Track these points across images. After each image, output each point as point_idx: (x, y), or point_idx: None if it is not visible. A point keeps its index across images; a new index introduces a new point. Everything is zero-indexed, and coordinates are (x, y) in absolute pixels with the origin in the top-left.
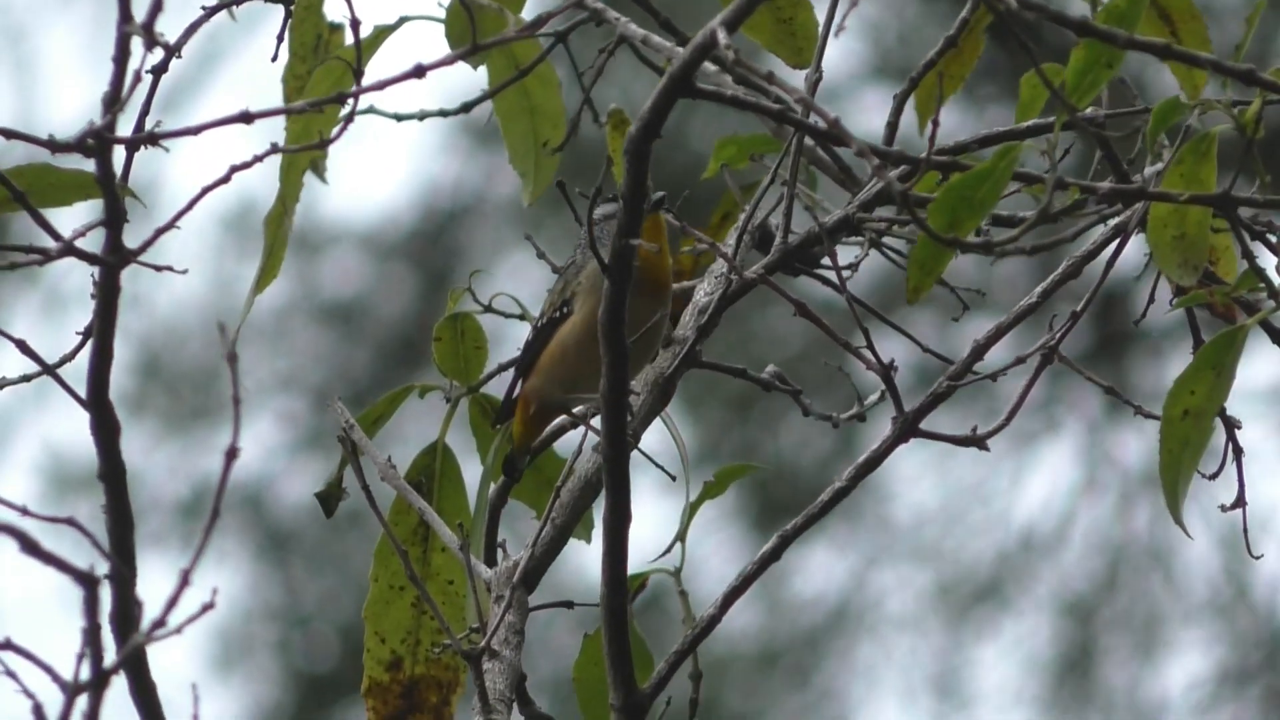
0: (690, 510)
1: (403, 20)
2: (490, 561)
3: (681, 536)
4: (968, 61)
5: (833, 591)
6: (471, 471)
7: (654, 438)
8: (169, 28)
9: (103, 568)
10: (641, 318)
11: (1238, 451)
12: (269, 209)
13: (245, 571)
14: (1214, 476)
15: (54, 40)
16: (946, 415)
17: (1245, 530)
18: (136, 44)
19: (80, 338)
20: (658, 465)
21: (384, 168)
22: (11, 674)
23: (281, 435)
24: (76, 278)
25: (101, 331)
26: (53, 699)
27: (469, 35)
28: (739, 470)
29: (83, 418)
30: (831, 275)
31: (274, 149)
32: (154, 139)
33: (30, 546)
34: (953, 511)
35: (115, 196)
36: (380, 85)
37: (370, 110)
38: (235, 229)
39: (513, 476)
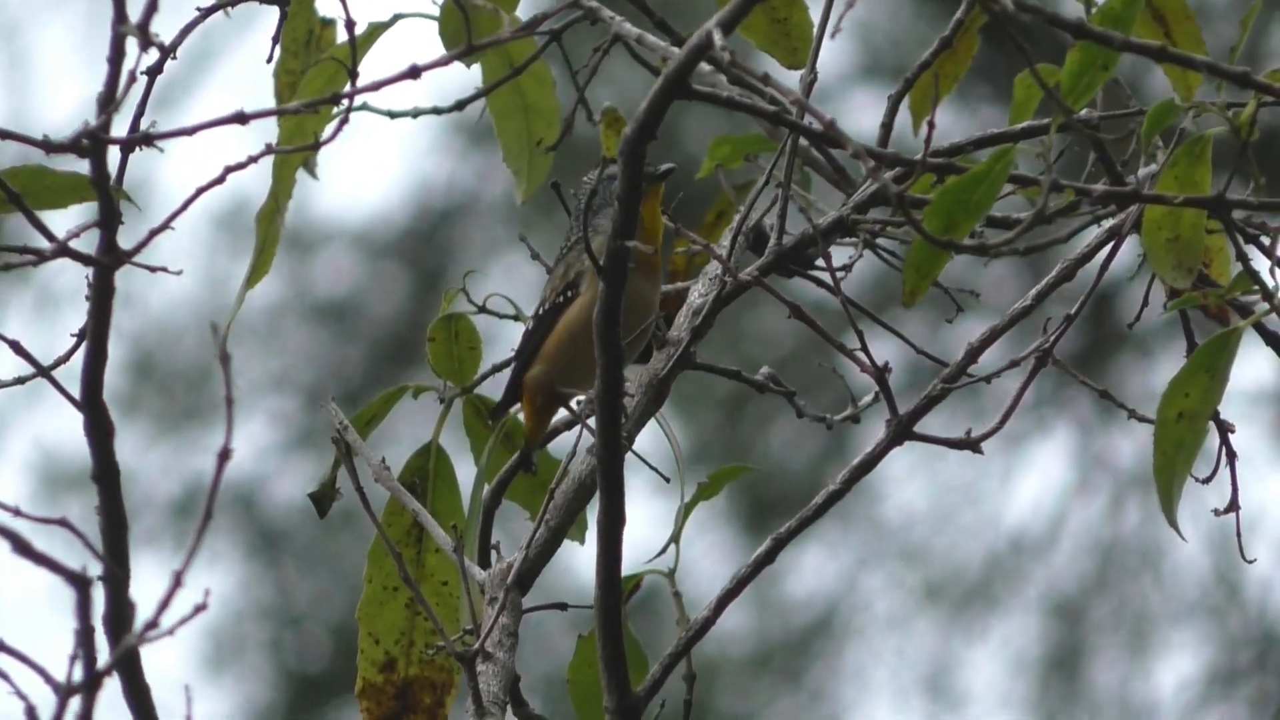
0: (684, 512)
1: (396, 18)
2: (484, 563)
3: (676, 538)
4: (962, 62)
5: (824, 592)
6: (465, 472)
7: (647, 438)
8: (163, 27)
9: (95, 569)
10: (637, 295)
11: (1231, 455)
12: (261, 206)
13: (237, 571)
14: (1208, 480)
15: (47, 38)
16: (936, 415)
17: (1239, 535)
18: (131, 44)
19: (74, 339)
20: (652, 467)
21: (377, 166)
22: (4, 675)
23: (274, 435)
24: (69, 277)
25: (96, 333)
26: (45, 700)
27: (463, 33)
28: (733, 472)
29: (76, 418)
30: (826, 276)
31: (268, 149)
32: (149, 140)
33: (23, 548)
34: (943, 512)
35: (110, 198)
36: (375, 86)
37: (364, 108)
38: (228, 227)
39: (528, 470)
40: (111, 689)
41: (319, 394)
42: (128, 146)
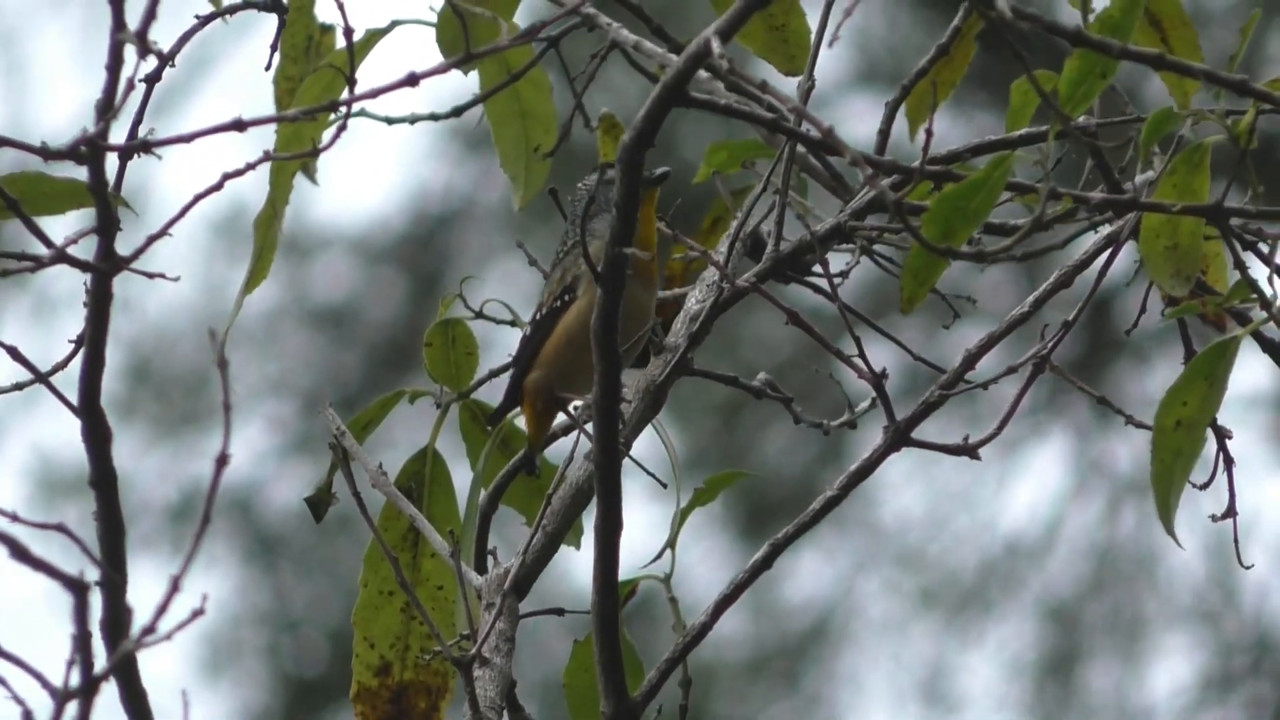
0: (680, 518)
1: (394, 24)
2: (481, 568)
3: (672, 543)
4: (959, 68)
5: (821, 597)
6: (462, 478)
7: (643, 444)
8: (161, 34)
9: (93, 574)
10: (634, 300)
11: (1228, 462)
12: (259, 211)
13: (234, 575)
14: (1205, 486)
15: (44, 43)
16: (933, 420)
17: (1236, 541)
18: (130, 51)
19: (73, 345)
20: (649, 473)
21: (374, 172)
22: (1, 680)
23: (271, 439)
24: (66, 282)
25: (94, 339)
26: (43, 705)
27: (460, 40)
28: (729, 478)
29: (73, 423)
30: (823, 283)
31: (266, 156)
32: (147, 147)
33: (20, 553)
34: (939, 517)
35: (108, 204)
36: (374, 93)
37: (362, 114)
38: (225, 233)
39: (531, 473)
40: (109, 694)
41: (316, 399)
42: (126, 153)
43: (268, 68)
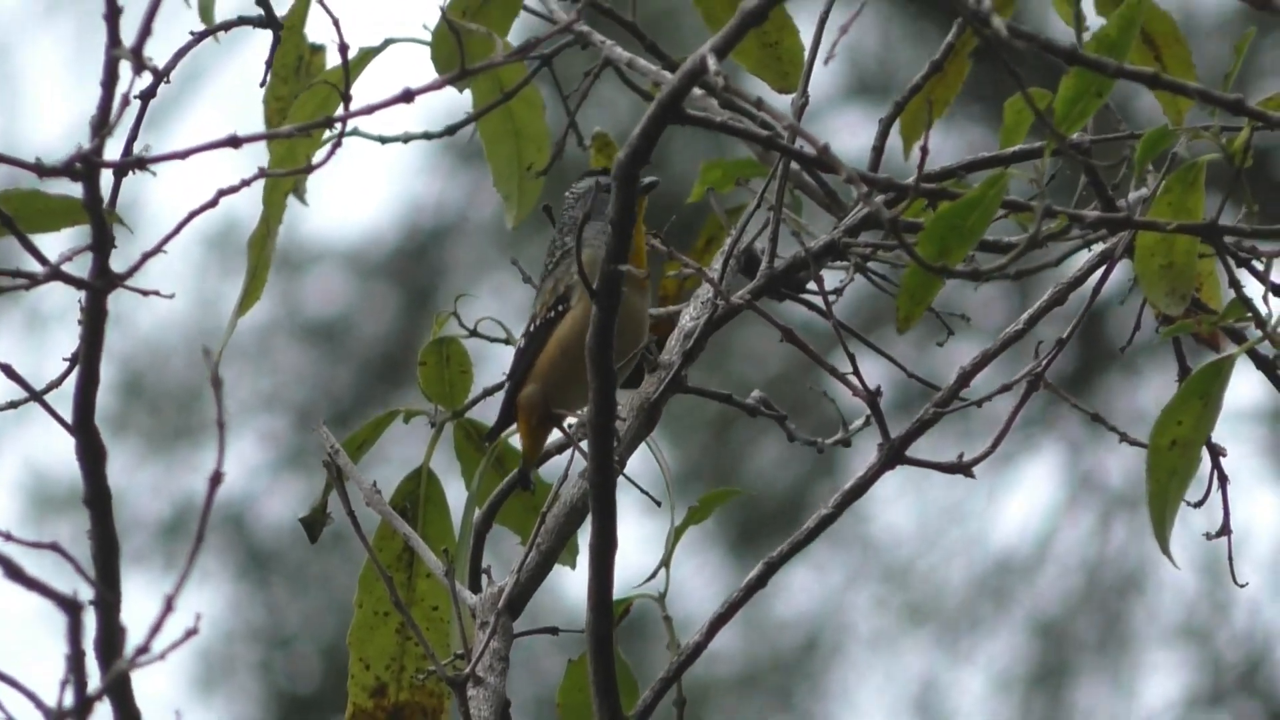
0: (675, 536)
1: (388, 43)
2: (475, 587)
3: (666, 563)
4: (953, 85)
5: (813, 612)
6: (456, 496)
7: (636, 460)
8: (152, 49)
9: (86, 593)
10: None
11: (1223, 480)
12: (253, 230)
13: (227, 591)
14: (1199, 504)
15: (36, 57)
16: (925, 436)
17: (1231, 561)
18: (124, 68)
19: (67, 363)
20: (643, 491)
21: (366, 186)
22: None
23: (263, 455)
24: (58, 298)
25: (88, 357)
26: None
27: (455, 58)
28: (723, 496)
29: (66, 439)
30: (817, 300)
31: (261, 173)
32: (142, 164)
33: (14, 573)
34: (931, 532)
35: (102, 221)
36: (368, 110)
37: (355, 133)
38: (217, 248)
39: (526, 488)
40: (103, 713)
41: (309, 414)
42: (121, 170)
43: (263, 84)
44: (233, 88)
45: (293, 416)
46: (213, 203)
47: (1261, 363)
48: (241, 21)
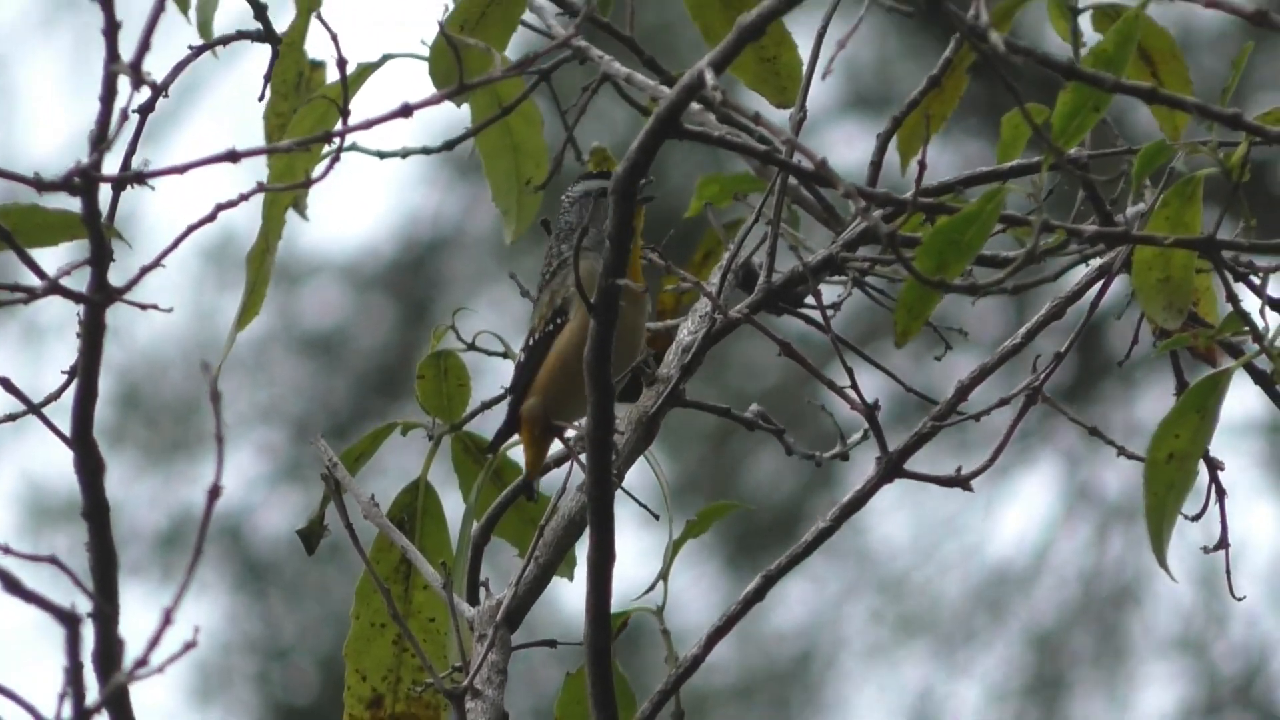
0: (673, 549)
1: (386, 58)
2: (473, 600)
3: (664, 576)
4: (950, 100)
5: (809, 624)
6: (454, 509)
7: (634, 473)
8: (152, 64)
9: (84, 605)
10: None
11: (1220, 493)
12: (251, 245)
13: (224, 603)
14: (1197, 518)
15: (33, 69)
16: (922, 449)
17: (1229, 573)
18: (123, 82)
19: (65, 376)
20: (642, 505)
21: (364, 199)
22: None
23: (261, 466)
24: (55, 311)
25: (86, 370)
26: None
27: (453, 73)
28: (721, 509)
29: (63, 452)
30: (815, 314)
31: (260, 188)
32: (141, 178)
33: (13, 585)
34: (927, 544)
35: (101, 236)
36: (366, 125)
37: (354, 148)
38: (215, 260)
39: (530, 498)
40: None
41: (306, 426)
42: (119, 185)
43: (261, 99)
44: (230, 101)
45: (290, 429)
46: (211, 217)
47: (1258, 376)
48: (240, 36)
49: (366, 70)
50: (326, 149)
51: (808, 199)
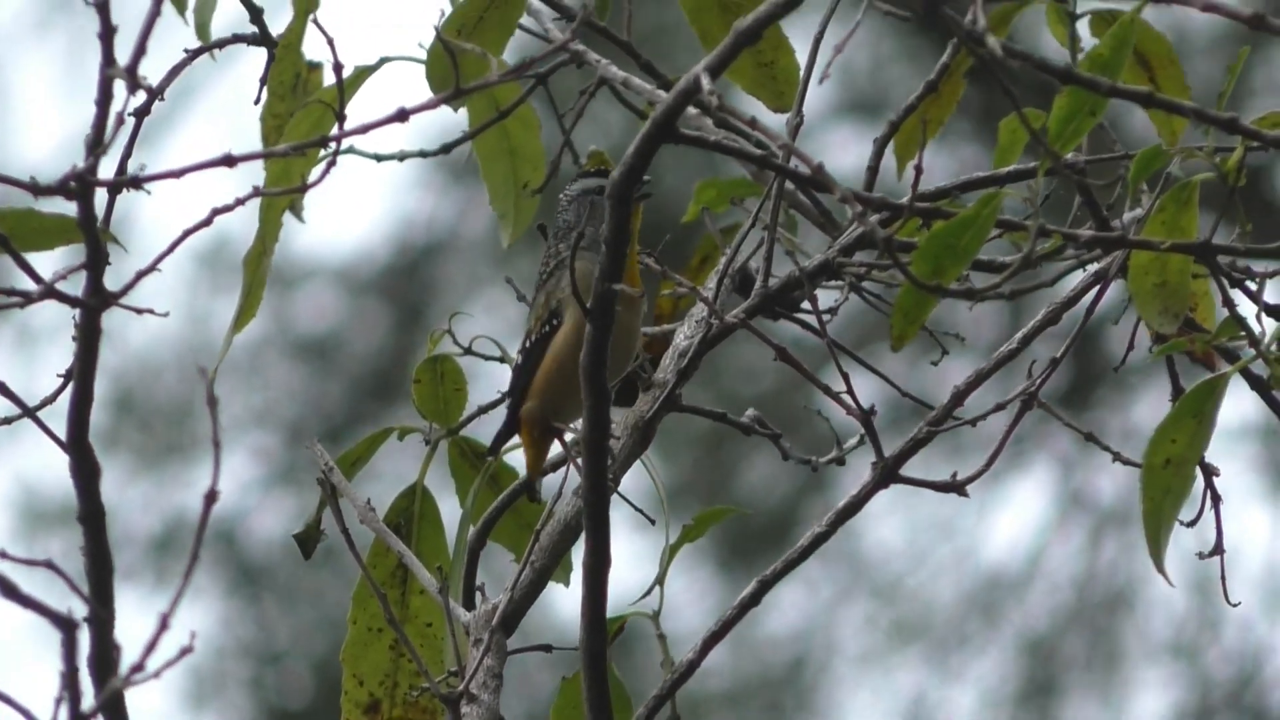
0: (669, 554)
1: (383, 61)
2: (469, 604)
3: (660, 581)
4: (947, 105)
5: (803, 628)
6: (450, 513)
7: (629, 477)
8: (148, 66)
9: (80, 610)
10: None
11: (1216, 498)
12: (248, 248)
13: (218, 607)
14: (1192, 524)
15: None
16: (917, 454)
17: (1224, 580)
18: (119, 86)
19: (61, 380)
20: (637, 509)
21: (359, 203)
22: None
23: (255, 471)
24: (49, 314)
25: (82, 374)
26: None
27: (450, 77)
28: (717, 514)
29: (58, 455)
30: (812, 319)
31: (256, 192)
32: (137, 182)
33: (9, 590)
34: (921, 548)
35: (97, 240)
36: (363, 129)
37: (351, 151)
38: (209, 264)
39: (532, 499)
40: None
41: (301, 430)
42: (115, 189)
43: (257, 101)
44: (226, 104)
45: (284, 433)
46: (207, 221)
47: (1255, 381)
48: (236, 39)
49: (363, 74)
50: (323, 153)
51: (804, 204)
